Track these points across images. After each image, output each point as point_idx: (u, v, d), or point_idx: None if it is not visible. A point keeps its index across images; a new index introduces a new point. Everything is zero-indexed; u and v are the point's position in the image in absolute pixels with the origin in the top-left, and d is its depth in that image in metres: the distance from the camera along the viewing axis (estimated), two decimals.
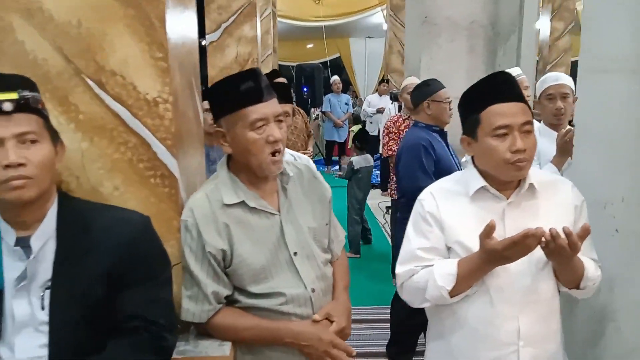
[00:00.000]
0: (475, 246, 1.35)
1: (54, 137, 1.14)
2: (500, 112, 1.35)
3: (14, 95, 1.04)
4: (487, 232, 1.29)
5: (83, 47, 1.29)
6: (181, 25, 1.45)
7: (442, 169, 2.65)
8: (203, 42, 3.93)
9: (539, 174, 1.51)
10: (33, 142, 1.06)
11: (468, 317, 1.41)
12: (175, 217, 1.37)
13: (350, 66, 13.04)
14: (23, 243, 1.09)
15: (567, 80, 2.44)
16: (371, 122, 8.39)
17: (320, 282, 1.45)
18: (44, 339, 1.08)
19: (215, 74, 4.12)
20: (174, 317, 1.24)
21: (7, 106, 1.03)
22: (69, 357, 1.08)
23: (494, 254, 1.29)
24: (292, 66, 10.57)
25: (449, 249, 1.44)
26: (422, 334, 2.98)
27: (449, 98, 2.74)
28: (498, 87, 1.40)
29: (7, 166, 1.02)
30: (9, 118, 1.04)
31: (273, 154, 1.37)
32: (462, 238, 1.41)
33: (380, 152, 5.12)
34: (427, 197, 1.49)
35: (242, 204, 1.39)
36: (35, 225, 1.11)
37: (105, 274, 1.12)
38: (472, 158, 1.47)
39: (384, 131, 3.85)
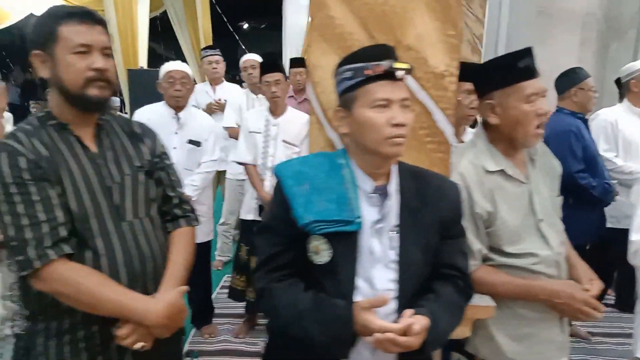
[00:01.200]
0: None
1: None
2: None
3: (406, 65, 1.19)
4: None
5: (385, 23, 1.44)
6: None
7: (588, 155, 2.77)
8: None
9: None
10: (407, 107, 1.22)
11: None
12: None
13: None
14: (377, 191, 1.26)
15: None
16: None
17: (562, 247, 1.59)
18: (393, 275, 1.24)
19: None
20: None
21: (401, 74, 1.19)
22: (411, 292, 1.24)
23: None
24: None
25: None
26: None
27: (594, 86, 2.83)
28: None
29: (396, 125, 1.18)
30: (396, 84, 1.20)
31: (537, 127, 1.50)
32: None
33: None
34: None
35: (502, 171, 1.53)
36: (382, 177, 1.27)
37: (438, 225, 1.28)
38: None
39: None
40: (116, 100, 7.66)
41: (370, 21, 1.43)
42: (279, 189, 1.27)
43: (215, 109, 4.16)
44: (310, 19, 1.44)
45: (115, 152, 1.39)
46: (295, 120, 3.07)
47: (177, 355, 1.54)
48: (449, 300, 1.28)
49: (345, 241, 1.22)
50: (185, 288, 1.38)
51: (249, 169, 3.06)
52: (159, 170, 1.47)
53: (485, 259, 1.55)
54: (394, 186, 1.28)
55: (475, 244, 1.50)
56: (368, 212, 1.24)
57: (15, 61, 14.37)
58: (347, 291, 1.22)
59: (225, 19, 10.02)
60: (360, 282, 1.23)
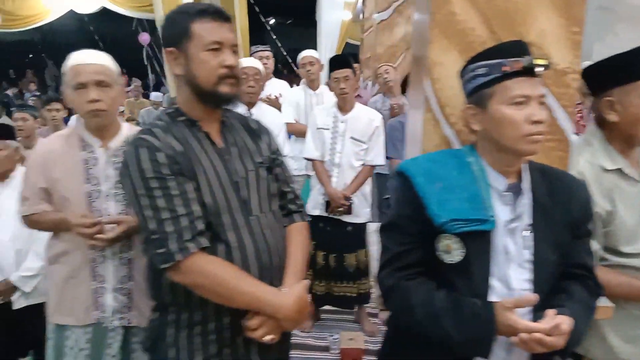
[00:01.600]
0: None
1: None
2: None
3: (545, 62, 1.18)
4: None
5: (508, 20, 1.42)
6: None
7: None
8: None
9: None
10: (543, 104, 1.20)
11: None
12: None
13: None
14: (509, 189, 1.25)
15: None
16: None
17: None
18: (527, 275, 1.23)
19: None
20: None
21: (539, 70, 1.18)
22: (545, 292, 1.23)
23: None
24: None
25: None
26: None
27: None
28: None
29: (535, 122, 1.17)
30: (534, 80, 1.18)
31: None
32: None
33: None
34: None
35: (618, 170, 1.51)
36: (513, 175, 1.26)
37: (569, 224, 1.27)
38: None
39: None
40: (158, 96, 7.76)
41: (492, 17, 1.42)
42: (407, 187, 1.26)
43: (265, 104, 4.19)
44: (431, 15, 1.43)
45: (238, 148, 1.41)
46: (363, 117, 3.07)
47: (288, 350, 1.56)
48: (581, 300, 1.26)
49: (479, 240, 1.21)
50: (308, 282, 1.40)
51: (317, 165, 3.07)
52: (276, 166, 1.48)
53: (600, 259, 1.53)
54: (526, 184, 1.27)
55: (593, 244, 1.48)
56: (501, 211, 1.23)
57: (50, 57, 14.67)
58: (482, 291, 1.21)
59: (261, 16, 10.07)
60: (494, 282, 1.22)
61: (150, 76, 13.71)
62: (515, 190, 1.25)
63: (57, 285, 1.71)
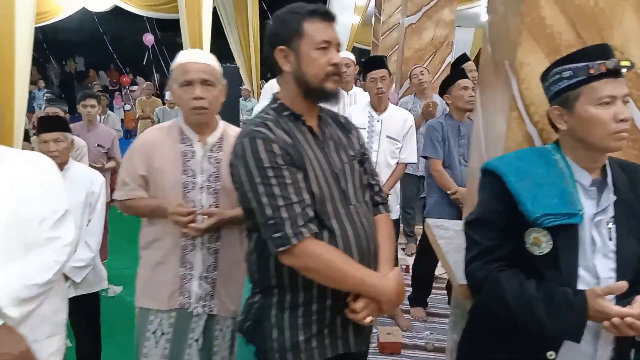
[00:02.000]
0: None
1: None
2: None
3: (629, 63, 1.25)
4: None
5: (593, 24, 1.50)
6: None
7: None
8: None
9: None
10: (627, 102, 1.28)
11: None
12: None
13: None
14: (594, 184, 1.32)
15: None
16: None
17: None
18: (612, 264, 1.30)
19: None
20: None
21: (624, 71, 1.25)
22: (629, 281, 1.26)
23: None
24: None
25: None
26: None
27: None
28: None
29: (622, 120, 1.24)
30: (618, 81, 1.26)
31: None
32: None
33: None
34: None
35: None
36: (596, 171, 1.34)
37: None
38: None
39: None
40: None
41: (579, 21, 1.50)
42: (498, 184, 1.33)
43: None
44: (522, 18, 1.50)
45: (334, 142, 1.48)
46: (397, 116, 3.17)
47: (370, 337, 1.63)
48: None
49: (567, 233, 1.27)
50: (400, 269, 1.47)
51: None
52: (365, 159, 1.56)
53: None
54: (610, 179, 1.34)
55: None
56: (586, 205, 1.30)
57: (54, 54, 14.64)
58: (571, 280, 1.28)
59: (270, 16, 10.14)
60: (581, 272, 1.29)
61: (155, 75, 13.73)
62: (599, 185, 1.33)
63: (146, 270, 1.77)
